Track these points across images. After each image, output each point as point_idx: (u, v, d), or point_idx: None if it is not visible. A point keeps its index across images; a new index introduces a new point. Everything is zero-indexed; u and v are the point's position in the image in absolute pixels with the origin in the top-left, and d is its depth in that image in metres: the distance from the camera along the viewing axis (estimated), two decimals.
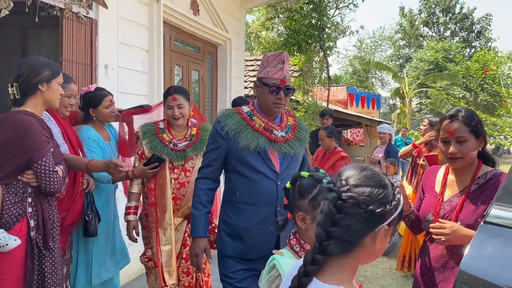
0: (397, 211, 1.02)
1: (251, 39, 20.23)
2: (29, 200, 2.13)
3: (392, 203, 1.01)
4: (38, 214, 2.14)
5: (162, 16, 4.54)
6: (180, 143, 2.83)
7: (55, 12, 3.27)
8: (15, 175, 2.10)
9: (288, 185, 1.65)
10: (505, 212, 0.79)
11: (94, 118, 2.93)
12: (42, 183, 2.11)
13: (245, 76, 8.74)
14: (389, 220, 1.00)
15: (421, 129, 5.16)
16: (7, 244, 2.02)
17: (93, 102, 2.88)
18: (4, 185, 2.09)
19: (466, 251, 0.81)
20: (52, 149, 2.18)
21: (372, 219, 0.99)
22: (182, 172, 2.82)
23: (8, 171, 2.08)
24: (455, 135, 1.80)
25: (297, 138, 2.30)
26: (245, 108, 2.28)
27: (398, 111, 19.28)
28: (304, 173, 1.62)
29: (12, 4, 2.81)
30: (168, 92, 2.86)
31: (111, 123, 3.15)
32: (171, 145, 2.80)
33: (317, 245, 1.02)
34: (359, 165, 1.09)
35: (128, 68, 4.11)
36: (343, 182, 1.03)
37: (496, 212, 0.81)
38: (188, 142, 2.86)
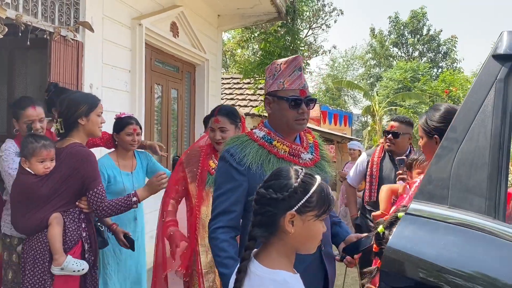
0: (303, 199, 1.26)
1: (227, 57, 20.64)
2: (83, 225, 2.34)
3: (289, 191, 1.27)
4: (90, 238, 2.37)
5: (144, 38, 4.80)
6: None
7: (44, 36, 3.49)
8: (73, 202, 2.31)
9: (381, 229, 1.35)
10: (419, 206, 1.10)
11: (116, 143, 3.08)
12: (97, 209, 2.30)
13: (221, 94, 9.04)
14: (296, 207, 1.26)
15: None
16: (83, 269, 2.23)
17: (117, 127, 3.04)
18: (63, 212, 2.27)
19: (393, 233, 1.11)
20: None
21: (278, 205, 1.27)
22: None
23: (67, 198, 2.28)
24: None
25: (323, 158, 1.99)
26: (259, 132, 1.90)
27: (369, 128, 19.92)
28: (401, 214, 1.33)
29: (6, 29, 3.02)
30: (213, 113, 2.64)
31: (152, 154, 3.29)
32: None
33: (248, 234, 1.31)
34: (285, 166, 1.39)
35: (111, 88, 4.33)
36: (263, 181, 1.35)
37: (413, 206, 1.11)
38: None
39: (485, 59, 1.16)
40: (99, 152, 3.11)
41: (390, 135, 3.56)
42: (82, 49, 3.87)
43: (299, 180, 1.29)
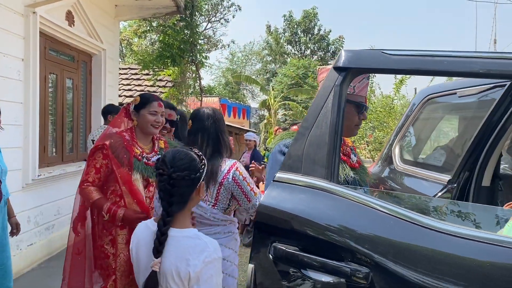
0: (205, 171, 1.69)
1: (123, 46, 20.01)
2: None
3: (201, 167, 1.68)
4: None
5: (38, 26, 4.69)
6: (151, 157, 2.64)
7: None
8: None
9: None
10: (282, 175, 1.52)
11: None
12: None
13: (119, 84, 8.94)
14: (202, 178, 1.68)
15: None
16: None
17: None
18: None
19: (264, 194, 1.52)
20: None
21: (193, 182, 1.65)
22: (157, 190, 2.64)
23: None
24: None
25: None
26: None
27: (265, 121, 20.94)
28: None
29: None
30: (152, 98, 2.69)
31: None
32: (144, 159, 2.59)
33: (164, 212, 1.62)
34: (174, 150, 1.71)
35: (3, 76, 4.21)
36: (169, 166, 1.63)
37: (278, 175, 1.53)
38: (159, 156, 2.57)
39: (330, 69, 1.61)
40: None
41: None
42: None
43: (200, 158, 1.69)
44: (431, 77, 8.49)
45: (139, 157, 2.55)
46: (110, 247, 2.54)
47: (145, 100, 2.65)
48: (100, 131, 4.81)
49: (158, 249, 1.58)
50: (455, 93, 2.69)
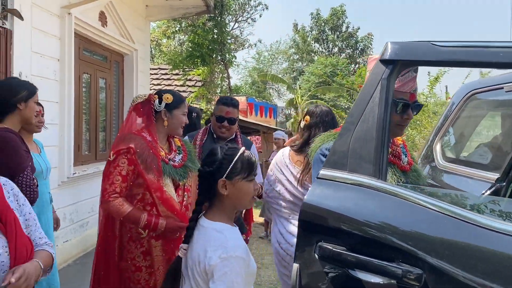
0: (229, 168, 1.62)
1: (152, 47, 20.30)
2: None
3: (216, 164, 1.62)
4: None
5: (73, 27, 4.78)
6: (174, 158, 2.45)
7: None
8: None
9: None
10: (326, 172, 1.47)
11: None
12: (25, 192, 2.19)
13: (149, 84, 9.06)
14: (225, 174, 1.61)
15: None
16: None
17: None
18: None
19: (308, 191, 1.47)
20: (31, 163, 2.36)
21: (212, 175, 1.63)
22: (186, 193, 2.47)
23: None
24: None
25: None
26: None
27: (292, 120, 20.82)
28: None
29: None
30: (183, 98, 2.51)
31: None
32: (171, 162, 2.40)
33: (196, 201, 1.69)
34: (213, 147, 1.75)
35: (40, 76, 4.30)
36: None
37: (322, 172, 1.47)
38: (180, 154, 2.50)
39: (376, 62, 1.54)
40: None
41: None
42: (11, 37, 3.82)
43: (222, 154, 1.65)
44: (466, 73, 8.22)
45: (166, 160, 2.36)
46: (142, 259, 2.32)
47: (179, 99, 2.47)
48: None
49: (186, 235, 1.66)
50: (502, 88, 2.56)
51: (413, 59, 1.48)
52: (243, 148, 1.68)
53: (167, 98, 2.44)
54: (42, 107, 3.11)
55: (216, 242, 1.54)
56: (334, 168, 1.44)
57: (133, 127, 2.42)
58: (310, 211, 1.41)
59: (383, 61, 1.49)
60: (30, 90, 2.55)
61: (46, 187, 3.09)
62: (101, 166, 5.57)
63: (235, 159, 1.62)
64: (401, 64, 1.50)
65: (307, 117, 2.73)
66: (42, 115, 3.10)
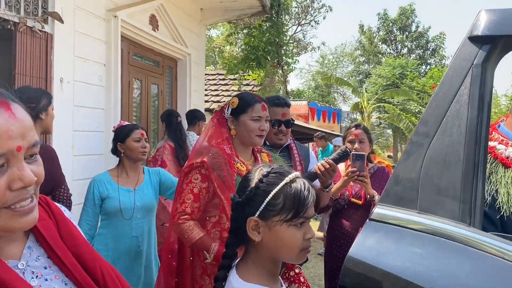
0: (264, 202, 1.11)
1: (215, 54, 20.41)
2: None
3: (247, 194, 1.13)
4: None
5: (120, 31, 4.61)
6: None
7: (9, 26, 3.29)
8: None
9: None
10: (385, 211, 0.96)
11: (121, 156, 2.83)
12: (66, 204, 2.33)
13: (206, 90, 8.86)
14: (258, 212, 1.10)
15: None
16: None
17: (121, 135, 2.82)
18: None
19: (354, 242, 0.97)
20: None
21: (242, 209, 1.13)
22: None
23: None
24: (359, 137, 2.83)
25: None
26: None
27: None
28: None
29: None
30: (254, 99, 2.14)
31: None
32: None
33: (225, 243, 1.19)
34: None
35: (84, 82, 4.14)
36: None
37: (378, 210, 0.97)
38: None
39: (461, 42, 1.02)
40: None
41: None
42: (52, 41, 3.67)
43: (257, 180, 1.13)
44: None
45: (242, 173, 2.00)
46: None
47: (246, 102, 2.09)
48: (190, 139, 4.59)
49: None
50: None
51: None
52: (293, 175, 1.14)
53: (233, 102, 2.13)
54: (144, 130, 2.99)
55: None
56: (397, 204, 0.94)
57: (212, 139, 2.12)
58: (358, 271, 0.91)
59: (475, 39, 0.97)
60: (48, 97, 2.42)
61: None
62: None
63: (274, 190, 1.10)
64: (505, 42, 0.96)
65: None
66: (147, 140, 2.96)
